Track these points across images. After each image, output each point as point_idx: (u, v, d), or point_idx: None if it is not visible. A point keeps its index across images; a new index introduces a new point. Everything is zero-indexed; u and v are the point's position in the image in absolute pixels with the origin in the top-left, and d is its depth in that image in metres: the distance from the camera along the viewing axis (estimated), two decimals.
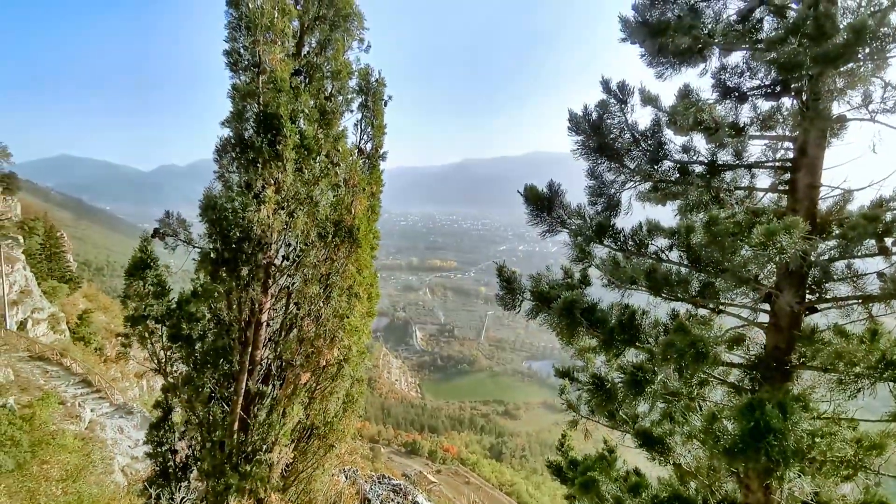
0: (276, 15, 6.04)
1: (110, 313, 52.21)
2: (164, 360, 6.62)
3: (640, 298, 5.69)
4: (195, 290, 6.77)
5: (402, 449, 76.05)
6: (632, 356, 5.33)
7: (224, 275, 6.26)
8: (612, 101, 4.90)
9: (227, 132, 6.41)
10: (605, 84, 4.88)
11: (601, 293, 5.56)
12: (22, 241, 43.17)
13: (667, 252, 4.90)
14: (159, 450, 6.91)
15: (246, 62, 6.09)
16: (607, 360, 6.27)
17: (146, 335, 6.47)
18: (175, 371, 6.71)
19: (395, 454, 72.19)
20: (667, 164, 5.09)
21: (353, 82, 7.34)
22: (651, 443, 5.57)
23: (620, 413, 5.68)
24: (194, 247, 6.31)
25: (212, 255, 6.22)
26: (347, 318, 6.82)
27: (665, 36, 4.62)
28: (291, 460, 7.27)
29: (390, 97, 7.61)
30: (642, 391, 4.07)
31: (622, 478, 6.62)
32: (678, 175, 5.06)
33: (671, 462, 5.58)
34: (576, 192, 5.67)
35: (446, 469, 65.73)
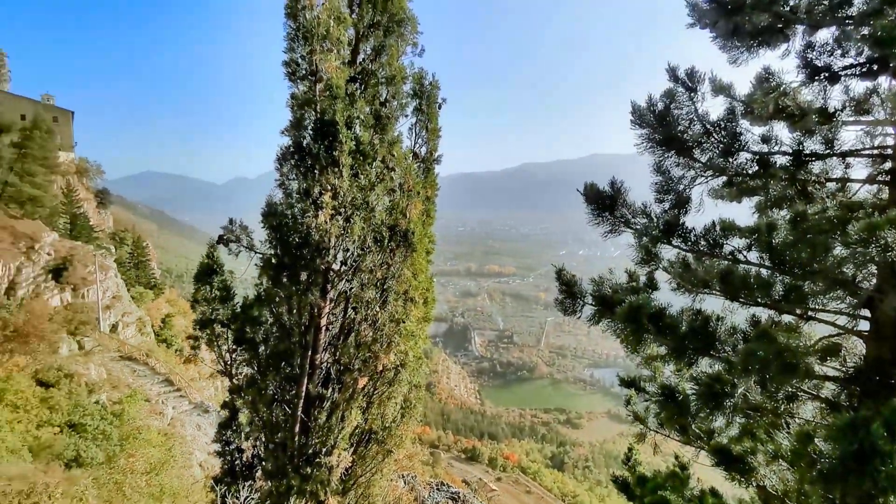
0: (331, 23, 6.16)
1: (189, 317, 55.93)
2: (230, 363, 6.90)
3: (712, 303, 5.24)
4: (258, 294, 7.02)
5: (461, 455, 75.85)
6: (705, 366, 4.90)
7: (285, 280, 6.44)
8: (680, 89, 4.52)
9: (286, 141, 6.62)
10: (672, 72, 4.52)
11: (669, 297, 5.16)
12: (114, 250, 47.34)
13: (744, 252, 4.45)
14: (227, 448, 7.20)
15: (303, 71, 6.26)
16: (677, 369, 5.81)
17: (213, 338, 6.78)
18: (240, 373, 6.98)
19: (455, 460, 72.11)
20: (743, 156, 4.64)
21: (407, 86, 7.36)
22: (730, 461, 5.08)
23: (694, 427, 5.23)
24: (256, 252, 6.54)
25: (273, 260, 6.42)
26: (403, 322, 6.80)
27: (741, 15, 4.21)
28: (350, 465, 7.33)
29: (444, 100, 7.56)
30: (720, 405, 3.69)
31: (696, 498, 6.11)
32: (757, 168, 4.59)
33: (753, 483, 5.06)
34: (636, 194, 5.34)
35: (507, 477, 64.81)
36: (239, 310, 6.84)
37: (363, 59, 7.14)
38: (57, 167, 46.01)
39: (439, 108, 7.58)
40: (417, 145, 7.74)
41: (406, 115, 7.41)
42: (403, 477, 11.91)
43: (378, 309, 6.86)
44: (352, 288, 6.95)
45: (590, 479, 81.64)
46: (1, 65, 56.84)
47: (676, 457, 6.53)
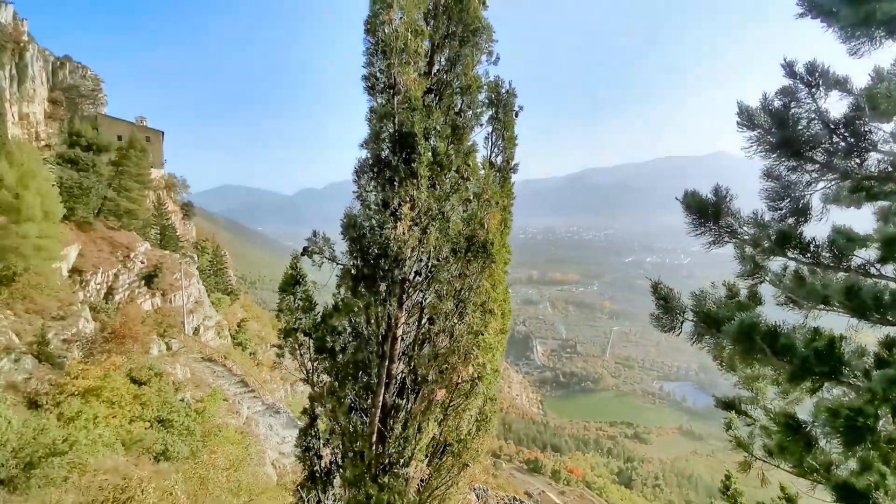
0: (409, 36, 6.22)
1: (261, 322, 59.08)
2: (311, 371, 7.08)
3: (827, 321, 4.71)
4: (336, 304, 7.17)
5: (523, 466, 74.35)
6: (826, 392, 4.39)
7: (363, 290, 6.53)
8: (800, 85, 4.11)
9: (364, 153, 6.73)
10: (789, 67, 4.11)
11: (774, 313, 4.70)
12: (196, 258, 50.86)
13: (877, 266, 3.93)
14: (307, 454, 7.38)
15: (382, 85, 6.35)
16: (784, 393, 5.29)
17: (296, 347, 6.98)
18: (320, 381, 7.15)
19: (517, 471, 70.79)
20: (873, 156, 4.13)
21: (482, 95, 7.29)
22: (854, 498, 4.51)
23: (810, 459, 4.70)
24: (337, 263, 6.68)
25: (352, 271, 6.54)
26: (482, 334, 6.69)
27: (871, 3, 3.75)
28: (426, 476, 7.29)
29: (521, 108, 7.38)
30: (862, 440, 3.25)
31: None
32: (891, 169, 4.07)
33: None
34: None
35: (570, 491, 62.68)
36: (319, 319, 7.03)
37: (438, 70, 7.16)
38: (149, 183, 50.23)
39: (516, 116, 7.44)
40: (493, 154, 7.64)
41: (481, 125, 7.34)
42: (475, 490, 11.74)
43: (455, 320, 6.79)
44: (428, 299, 6.94)
45: (661, 499, 77.23)
46: (98, 89, 62.91)
47: (782, 489, 5.93)
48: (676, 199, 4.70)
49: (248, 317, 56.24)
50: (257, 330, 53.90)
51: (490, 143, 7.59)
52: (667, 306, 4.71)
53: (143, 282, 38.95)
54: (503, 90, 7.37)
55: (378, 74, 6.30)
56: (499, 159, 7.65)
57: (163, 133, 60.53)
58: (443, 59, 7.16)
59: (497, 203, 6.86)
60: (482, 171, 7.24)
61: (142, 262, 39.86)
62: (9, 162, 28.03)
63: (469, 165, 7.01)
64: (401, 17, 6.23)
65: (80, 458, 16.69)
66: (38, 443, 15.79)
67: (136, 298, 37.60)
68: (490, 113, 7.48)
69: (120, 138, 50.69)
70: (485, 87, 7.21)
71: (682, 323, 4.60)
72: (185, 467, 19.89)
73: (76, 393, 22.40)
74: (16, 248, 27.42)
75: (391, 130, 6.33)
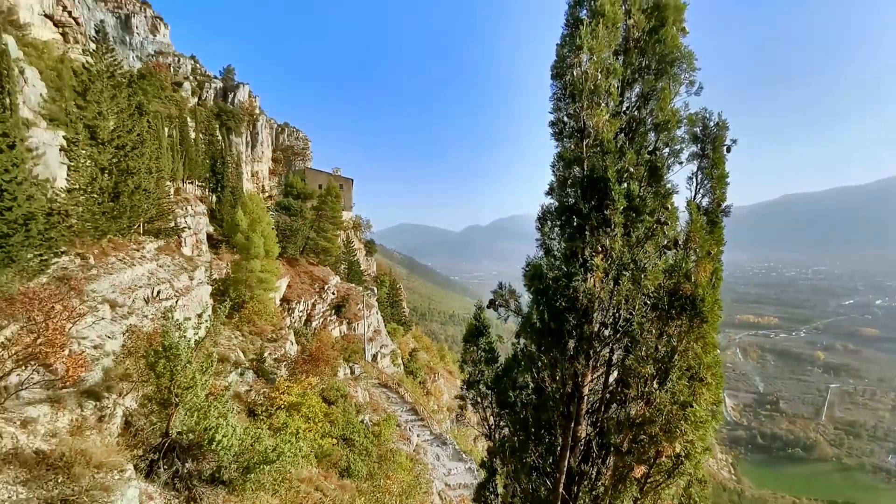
0: (599, 77, 5.88)
1: (430, 353, 62.25)
2: (493, 426, 6.89)
3: None
4: (516, 354, 6.92)
5: None
6: None
7: (549, 345, 6.16)
8: None
9: (548, 200, 6.49)
10: None
11: None
12: (376, 291, 56.29)
13: None
14: None
15: (570, 129, 6.09)
16: None
17: (478, 400, 6.88)
18: (501, 436, 6.90)
19: None
20: None
21: (680, 131, 6.51)
22: None
23: None
24: (522, 317, 6.46)
25: (537, 324, 6.23)
26: (691, 406, 5.71)
27: None
28: None
29: (735, 141, 6.34)
30: None
31: None
32: None
33: None
34: None
35: None
36: (501, 372, 6.84)
37: (629, 107, 6.64)
38: (341, 224, 57.74)
39: (728, 151, 6.42)
40: (699, 195, 6.71)
41: (681, 163, 6.52)
42: None
43: (656, 387, 5.96)
44: (619, 357, 6.26)
45: None
46: (307, 148, 75.23)
47: None
48: None
49: (419, 347, 59.83)
50: (426, 360, 56.85)
51: (694, 183, 6.68)
52: None
53: (333, 311, 44.29)
54: (711, 122, 6.47)
55: (566, 119, 6.06)
56: (705, 201, 6.67)
57: (352, 180, 69.53)
58: (633, 96, 6.63)
59: (706, 252, 5.93)
60: (684, 215, 6.38)
61: (333, 294, 45.46)
62: (244, 211, 34.98)
63: (667, 209, 6.24)
64: (590, 59, 5.94)
65: (284, 468, 19.07)
66: (254, 450, 18.50)
67: (328, 325, 42.79)
68: (692, 149, 6.62)
69: (320, 186, 59.63)
70: (684, 121, 6.43)
71: None
72: (364, 486, 21.31)
73: (283, 406, 25.97)
74: (245, 280, 33.70)
75: (580, 176, 5.98)
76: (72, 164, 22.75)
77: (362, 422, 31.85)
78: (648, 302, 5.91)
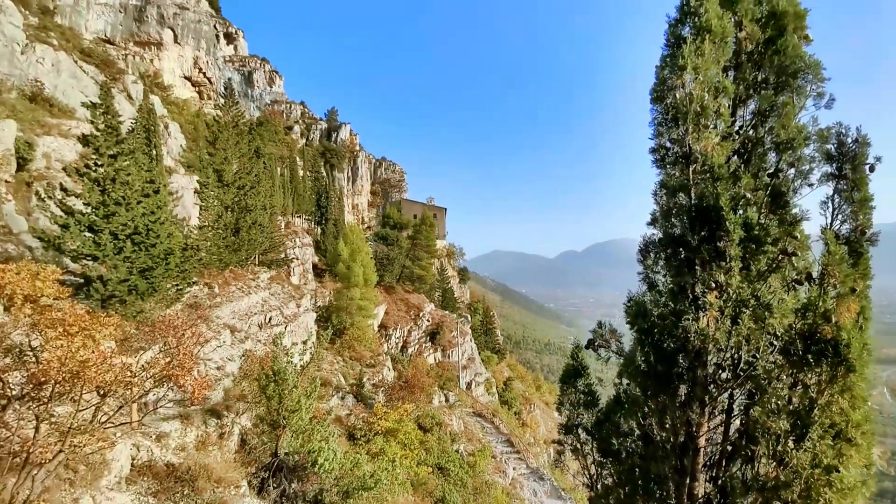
0: (706, 97, 5.39)
1: (525, 382, 60.59)
2: (594, 476, 6.38)
3: None
4: (618, 396, 6.40)
5: None
6: None
7: (655, 389, 5.60)
8: None
9: (651, 231, 6.01)
10: None
11: None
12: (469, 318, 56.41)
13: None
14: None
15: (674, 155, 5.62)
16: None
17: (578, 445, 6.43)
18: (603, 487, 6.35)
19: None
20: None
21: (808, 149, 5.72)
22: None
23: None
24: (624, 356, 5.97)
25: (642, 366, 5.71)
26: (837, 471, 4.81)
27: None
28: None
29: (878, 159, 5.39)
30: None
31: None
32: None
33: None
34: None
35: None
36: (603, 416, 6.34)
37: (742, 126, 6.01)
38: (435, 252, 59.08)
39: (871, 170, 5.48)
40: (837, 222, 5.80)
41: (810, 185, 5.72)
42: None
43: (792, 445, 5.11)
44: (740, 403, 5.51)
45: None
46: (402, 180, 78.61)
47: None
48: None
49: (514, 376, 58.50)
50: (521, 390, 55.34)
51: (830, 208, 5.79)
52: None
53: (428, 338, 44.99)
54: (848, 139, 5.61)
55: (668, 144, 5.61)
56: (844, 227, 5.74)
57: (446, 209, 71.24)
58: (748, 114, 5.99)
59: (849, 287, 5.05)
60: (819, 245, 5.55)
61: (428, 321, 46.26)
62: (345, 242, 37.21)
63: (795, 238, 5.45)
64: (694, 78, 5.48)
65: (382, 495, 19.36)
66: (353, 475, 19.02)
67: (423, 352, 43.47)
68: (825, 169, 5.78)
69: (415, 216, 61.82)
70: (813, 137, 5.65)
71: None
72: None
73: (380, 432, 26.58)
74: (346, 307, 35.53)
75: (686, 204, 5.46)
76: (203, 203, 25.84)
77: (457, 451, 31.55)
78: (776, 343, 5.13)
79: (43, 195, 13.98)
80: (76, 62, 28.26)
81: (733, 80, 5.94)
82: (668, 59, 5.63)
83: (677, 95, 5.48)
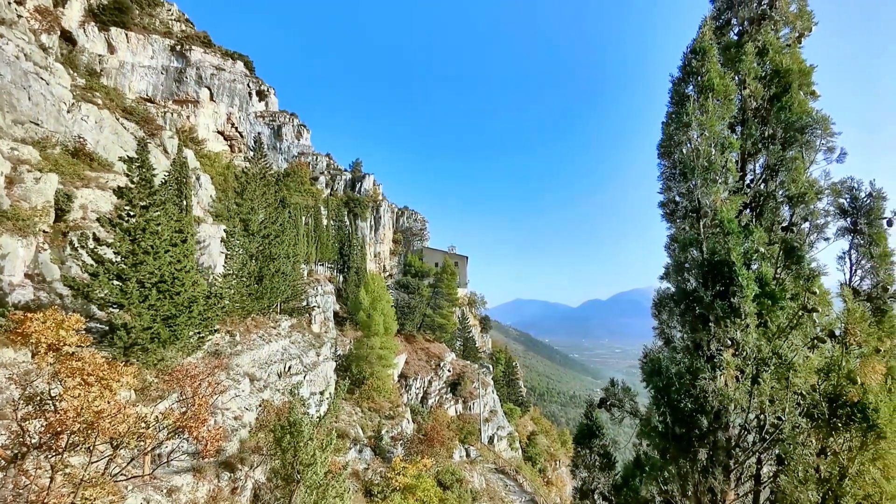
0: (712, 152, 5.42)
1: (549, 437, 58.10)
2: None
3: None
4: (638, 458, 6.08)
5: None
6: None
7: (675, 453, 5.31)
8: None
9: (664, 285, 5.90)
10: None
11: None
12: (491, 369, 55.16)
13: None
14: None
15: (683, 209, 5.60)
16: None
17: None
18: None
19: None
20: None
21: (822, 203, 5.63)
22: None
23: None
24: (640, 418, 5.72)
25: (659, 427, 5.45)
26: None
27: None
28: None
29: (895, 213, 5.26)
30: None
31: None
32: None
33: None
34: None
35: None
36: (620, 480, 6.01)
37: (752, 181, 5.98)
38: (457, 300, 58.74)
39: (889, 224, 5.34)
40: (857, 277, 5.61)
41: (826, 239, 5.58)
42: None
43: None
44: (769, 470, 5.16)
45: None
46: (424, 228, 79.57)
47: None
48: None
49: (538, 430, 56.22)
50: (546, 445, 53.01)
51: (847, 263, 5.62)
52: None
53: (448, 388, 43.97)
54: (861, 193, 5.52)
55: (678, 199, 5.60)
56: (865, 283, 5.53)
57: (467, 258, 71.41)
58: (758, 167, 5.97)
59: (874, 346, 4.80)
60: (839, 300, 5.34)
61: (449, 371, 45.38)
62: (366, 290, 37.41)
63: (814, 293, 5.26)
64: (700, 134, 5.54)
65: None
66: None
67: (444, 403, 42.38)
68: (841, 223, 5.66)
69: (437, 265, 62.07)
70: (826, 191, 5.57)
71: None
72: None
73: (398, 488, 25.61)
74: (366, 356, 35.25)
75: (698, 259, 5.37)
76: (229, 252, 26.59)
77: None
78: (802, 403, 4.84)
79: (76, 244, 14.63)
80: (118, 119, 30.24)
81: (740, 136, 5.97)
82: (674, 116, 5.72)
83: (684, 151, 5.53)
